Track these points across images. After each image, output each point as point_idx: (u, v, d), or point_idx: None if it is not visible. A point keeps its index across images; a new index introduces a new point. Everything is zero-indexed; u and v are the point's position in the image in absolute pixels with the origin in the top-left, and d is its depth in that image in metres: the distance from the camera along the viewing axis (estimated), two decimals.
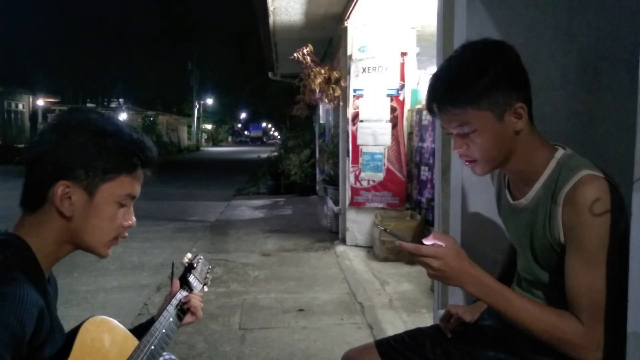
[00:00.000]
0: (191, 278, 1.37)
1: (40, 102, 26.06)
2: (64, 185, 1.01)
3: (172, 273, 1.39)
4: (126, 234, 1.13)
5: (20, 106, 26.00)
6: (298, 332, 3.28)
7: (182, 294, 1.34)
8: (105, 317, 1.08)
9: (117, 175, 1.06)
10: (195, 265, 1.40)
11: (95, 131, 1.04)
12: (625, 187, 1.04)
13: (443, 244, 1.13)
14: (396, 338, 1.47)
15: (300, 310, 3.67)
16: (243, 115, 61.25)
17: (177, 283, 1.37)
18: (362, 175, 5.43)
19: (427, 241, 1.15)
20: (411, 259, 1.16)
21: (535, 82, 1.21)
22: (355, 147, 5.42)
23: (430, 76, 1.24)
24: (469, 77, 1.14)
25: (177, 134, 37.07)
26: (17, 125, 25.59)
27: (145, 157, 1.10)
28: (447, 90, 1.17)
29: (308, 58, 5.59)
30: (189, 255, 1.42)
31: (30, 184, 1.04)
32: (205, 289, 1.43)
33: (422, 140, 5.16)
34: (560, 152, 1.20)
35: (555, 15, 1.75)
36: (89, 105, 29.59)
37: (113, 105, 35.56)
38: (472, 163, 1.22)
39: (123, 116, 24.43)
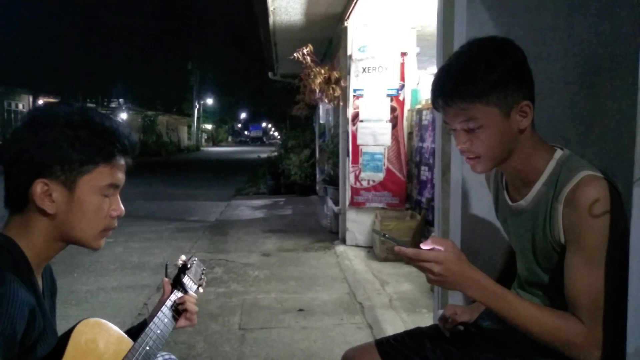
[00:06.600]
0: (185, 279, 1.36)
1: (40, 102, 26.06)
2: (42, 183, 1.00)
3: (166, 274, 1.38)
4: (116, 224, 1.11)
5: (20, 106, 26.00)
6: (298, 332, 3.28)
7: (177, 295, 1.33)
8: (98, 318, 1.08)
9: (95, 166, 1.04)
10: (189, 266, 1.39)
11: (65, 124, 1.02)
12: (625, 187, 1.03)
13: (442, 248, 1.11)
14: (396, 337, 1.46)
15: (300, 310, 3.67)
16: (243, 115, 61.25)
17: (168, 284, 1.35)
18: (362, 175, 5.43)
19: (425, 246, 1.13)
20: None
21: (535, 83, 1.21)
22: (355, 147, 5.42)
23: (437, 70, 1.22)
24: (478, 71, 1.13)
25: (177, 134, 37.14)
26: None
27: (122, 145, 1.07)
28: (456, 83, 1.15)
29: (308, 58, 5.58)
30: (183, 256, 1.41)
31: (10, 185, 1.03)
32: (200, 290, 1.42)
33: (422, 140, 5.15)
34: (559, 153, 1.20)
35: (555, 15, 1.75)
36: (89, 105, 29.55)
37: (113, 105, 35.53)
38: (474, 160, 1.21)
39: (123, 116, 24.43)
